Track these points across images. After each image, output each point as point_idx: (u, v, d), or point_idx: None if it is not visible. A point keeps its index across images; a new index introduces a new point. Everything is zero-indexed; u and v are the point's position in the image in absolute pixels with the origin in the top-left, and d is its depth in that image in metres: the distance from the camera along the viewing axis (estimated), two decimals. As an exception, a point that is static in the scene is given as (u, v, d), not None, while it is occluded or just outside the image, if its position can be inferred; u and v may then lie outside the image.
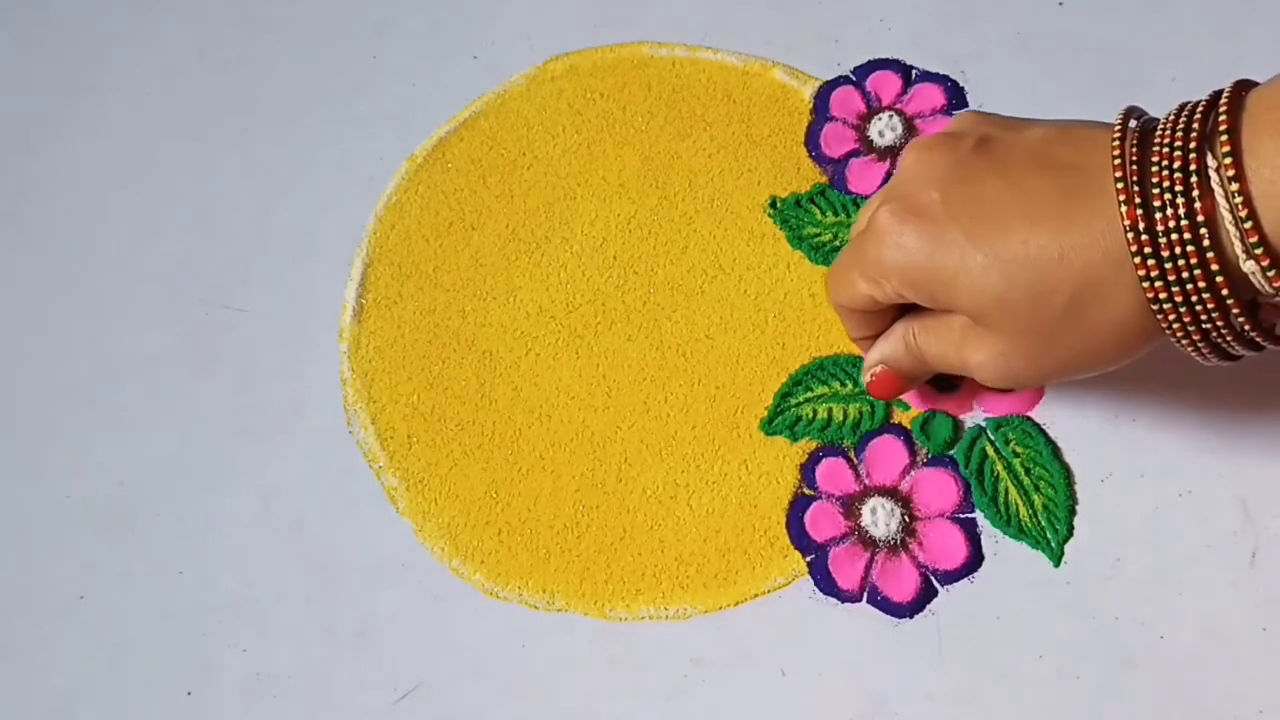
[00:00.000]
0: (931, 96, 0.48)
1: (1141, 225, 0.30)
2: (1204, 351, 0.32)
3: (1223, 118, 0.30)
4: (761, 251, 0.46)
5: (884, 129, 0.47)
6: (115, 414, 0.46)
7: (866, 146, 0.47)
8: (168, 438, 0.45)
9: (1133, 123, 0.32)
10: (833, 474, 0.42)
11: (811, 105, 0.48)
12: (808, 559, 0.41)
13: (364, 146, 0.49)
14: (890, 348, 0.38)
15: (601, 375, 0.45)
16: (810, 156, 0.47)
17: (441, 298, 0.46)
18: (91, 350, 0.47)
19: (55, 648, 0.42)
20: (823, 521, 0.41)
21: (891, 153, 0.47)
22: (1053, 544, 0.40)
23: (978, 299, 0.33)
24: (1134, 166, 0.31)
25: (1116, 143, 0.32)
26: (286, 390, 0.45)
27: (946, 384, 0.42)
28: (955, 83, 0.48)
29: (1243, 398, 0.41)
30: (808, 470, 0.42)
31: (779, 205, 0.47)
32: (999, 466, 0.41)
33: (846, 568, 0.41)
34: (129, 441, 0.45)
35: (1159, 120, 0.32)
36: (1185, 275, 0.30)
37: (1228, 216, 0.30)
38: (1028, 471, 0.41)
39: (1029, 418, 0.42)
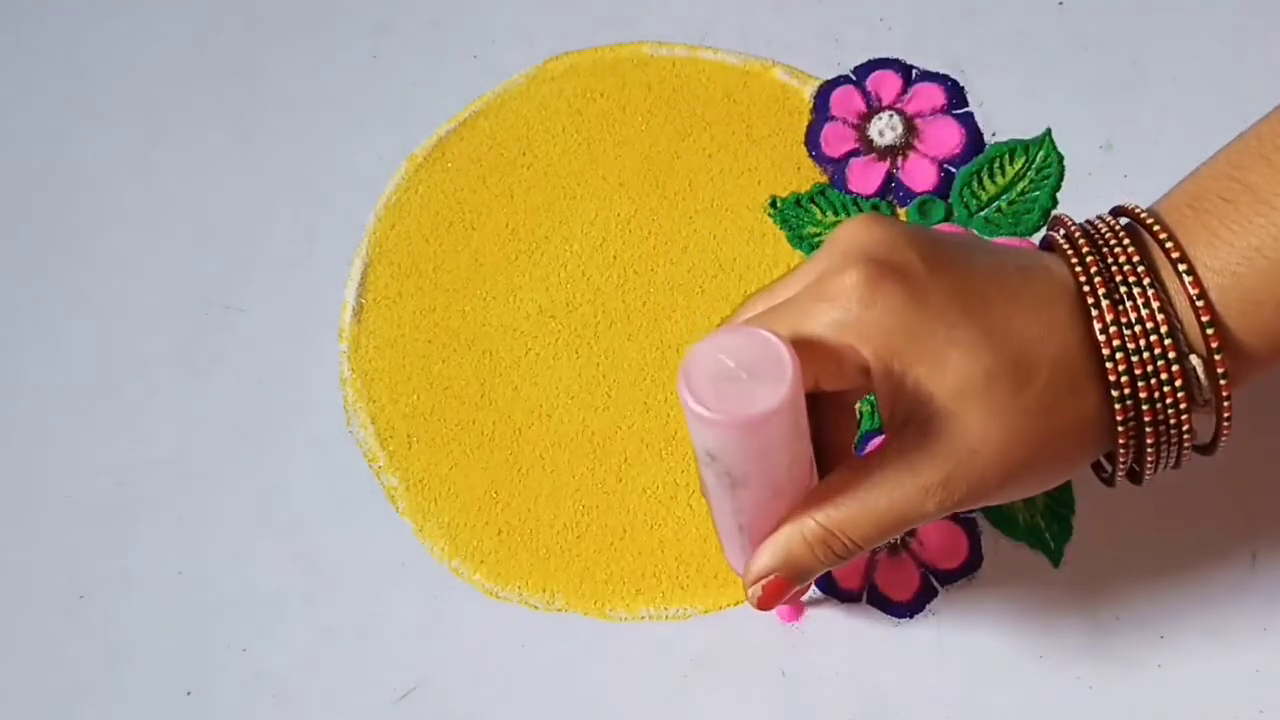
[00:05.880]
0: (931, 96, 0.48)
1: (1109, 316, 0.31)
2: (1136, 459, 0.33)
3: (1155, 227, 0.32)
4: (761, 251, 0.46)
5: (884, 129, 0.47)
6: (115, 414, 0.46)
7: (867, 146, 0.47)
8: (168, 438, 0.45)
9: (1064, 232, 0.33)
10: (833, 474, 0.42)
11: (811, 105, 0.48)
12: (808, 559, 0.41)
13: (364, 146, 0.49)
14: (785, 545, 0.33)
15: (601, 375, 0.45)
16: (810, 156, 0.47)
17: (441, 298, 0.46)
18: (91, 350, 0.47)
19: (55, 648, 0.42)
20: (823, 521, 0.41)
21: (891, 152, 0.47)
22: (1053, 544, 0.40)
23: (968, 371, 0.31)
24: (1092, 270, 0.32)
25: (1069, 251, 0.32)
26: (286, 390, 0.45)
27: None
28: (955, 83, 0.48)
29: (1243, 398, 0.41)
30: (808, 470, 0.42)
31: (779, 205, 0.47)
32: (999, 466, 0.41)
33: (846, 567, 0.40)
34: (129, 441, 0.45)
35: (1090, 226, 0.33)
36: (1149, 368, 0.31)
37: (1180, 301, 0.31)
38: (1028, 471, 0.41)
39: (1029, 418, 0.42)
